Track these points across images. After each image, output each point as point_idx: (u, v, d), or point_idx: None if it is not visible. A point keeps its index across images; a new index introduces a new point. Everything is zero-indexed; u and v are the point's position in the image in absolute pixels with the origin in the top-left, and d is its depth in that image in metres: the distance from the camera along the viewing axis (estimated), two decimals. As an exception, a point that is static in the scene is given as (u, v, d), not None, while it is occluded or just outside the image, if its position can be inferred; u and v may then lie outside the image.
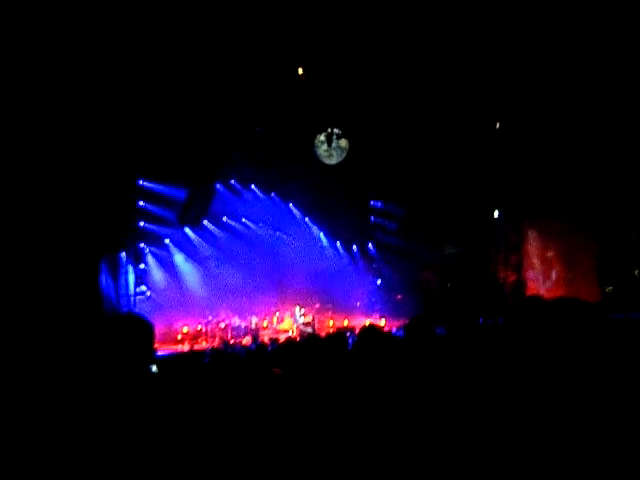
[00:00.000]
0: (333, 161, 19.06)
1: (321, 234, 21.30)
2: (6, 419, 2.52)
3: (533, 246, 18.92)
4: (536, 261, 18.84)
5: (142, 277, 18.42)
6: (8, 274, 13.20)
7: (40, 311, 11.91)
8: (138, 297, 17.86)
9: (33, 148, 14.21)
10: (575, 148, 16.23)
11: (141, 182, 18.30)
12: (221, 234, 20.12)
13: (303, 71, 16.94)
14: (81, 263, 15.34)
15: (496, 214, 19.42)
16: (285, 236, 20.75)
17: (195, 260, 19.43)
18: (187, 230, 19.46)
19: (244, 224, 20.50)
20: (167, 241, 19.06)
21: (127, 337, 2.67)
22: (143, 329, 2.74)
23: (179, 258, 19.25)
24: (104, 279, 16.80)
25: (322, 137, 19.01)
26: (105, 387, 2.56)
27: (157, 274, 18.84)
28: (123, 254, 17.64)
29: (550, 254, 18.56)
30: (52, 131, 14.40)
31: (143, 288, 18.21)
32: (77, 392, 2.55)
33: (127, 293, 17.55)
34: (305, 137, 19.02)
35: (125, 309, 16.80)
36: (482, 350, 4.11)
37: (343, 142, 18.95)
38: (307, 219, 21.03)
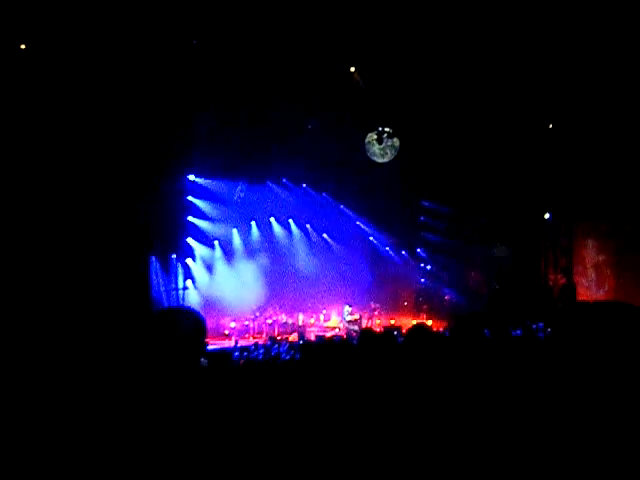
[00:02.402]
0: (386, 159, 18.98)
1: (371, 237, 21.24)
2: (62, 407, 2.58)
3: (586, 250, 18.57)
4: (588, 266, 18.48)
5: (189, 272, 18.61)
6: (66, 271, 13.52)
7: (95, 305, 12.15)
8: (186, 291, 18.06)
9: (85, 147, 14.50)
10: (629, 151, 15.91)
11: (191, 178, 18.52)
12: (270, 233, 20.25)
13: (356, 70, 16.91)
14: (133, 258, 15.60)
15: (547, 216, 19.14)
16: (331, 240, 20.77)
17: (242, 258, 19.54)
18: (234, 231, 19.63)
19: (295, 224, 20.60)
20: (216, 243, 19.23)
21: (181, 329, 2.70)
22: (196, 322, 2.77)
23: (226, 255, 19.38)
24: (154, 274, 17.07)
25: (374, 136, 18.93)
26: (157, 378, 2.59)
27: (205, 269, 19.01)
28: (171, 249, 17.86)
29: (602, 258, 18.19)
30: (104, 130, 14.66)
31: (189, 283, 18.40)
32: (130, 382, 2.59)
33: (176, 287, 17.76)
34: (356, 135, 18.94)
35: (173, 303, 17.00)
36: (528, 354, 4.06)
37: (395, 141, 18.85)
38: (359, 222, 20.96)
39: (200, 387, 2.70)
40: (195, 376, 2.69)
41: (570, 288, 18.58)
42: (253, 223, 19.93)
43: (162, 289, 17.38)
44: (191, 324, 2.73)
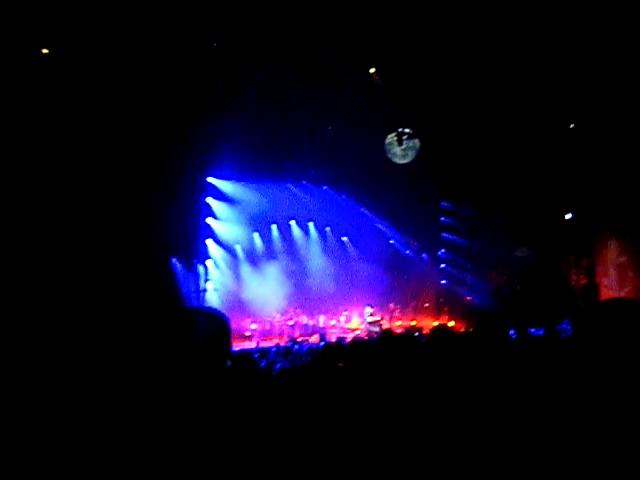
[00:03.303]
0: (407, 160, 18.96)
1: (391, 240, 21.22)
2: (86, 406, 2.62)
3: (607, 251, 18.39)
4: (610, 266, 18.30)
5: (210, 274, 18.70)
6: (93, 274, 13.65)
7: (119, 308, 12.23)
8: (206, 293, 18.16)
9: (104, 149, 14.62)
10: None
11: (210, 180, 18.62)
12: (289, 238, 20.31)
13: (375, 71, 16.92)
14: (154, 261, 15.70)
15: (568, 216, 19.01)
16: (350, 244, 20.79)
17: (263, 260, 19.61)
18: (255, 235, 19.68)
19: (314, 228, 20.64)
20: (237, 247, 19.30)
21: (207, 330, 2.73)
22: (221, 323, 2.80)
23: (247, 257, 19.46)
24: (176, 276, 17.18)
25: (394, 137, 18.92)
26: (184, 379, 2.62)
27: (224, 271, 19.11)
28: (191, 252, 17.97)
29: (624, 259, 17.99)
30: (123, 132, 14.77)
31: (210, 285, 18.48)
32: (157, 384, 2.62)
33: (197, 289, 17.86)
34: (376, 137, 18.94)
35: (195, 302, 17.10)
36: (551, 354, 4.05)
37: (416, 142, 18.83)
38: (379, 224, 20.95)
39: (225, 388, 2.73)
40: (221, 377, 2.72)
41: (592, 288, 18.42)
42: (274, 226, 19.99)
43: (184, 291, 17.47)
44: (216, 325, 2.76)
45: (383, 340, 3.93)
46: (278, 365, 9.88)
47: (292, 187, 20.00)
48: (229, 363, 3.09)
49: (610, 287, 18.11)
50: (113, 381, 2.84)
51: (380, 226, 20.86)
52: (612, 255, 18.23)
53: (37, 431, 2.49)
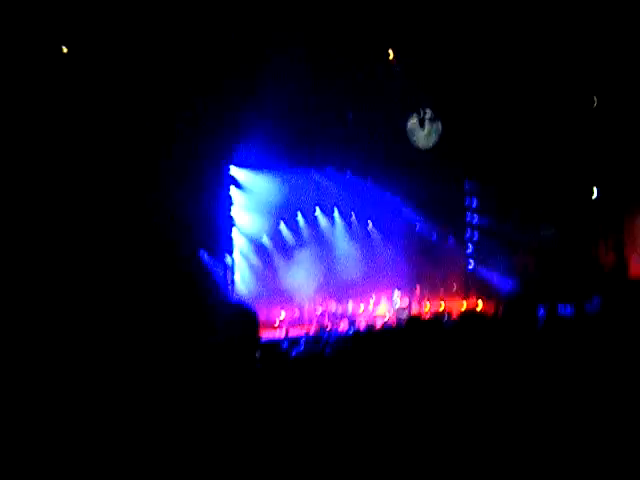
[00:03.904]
0: (430, 144, 18.82)
1: (417, 224, 21.12)
2: (117, 398, 2.66)
3: (637, 227, 18.17)
4: (639, 242, 18.10)
5: (237, 265, 18.78)
6: (120, 268, 13.78)
7: (149, 303, 12.35)
8: (235, 284, 18.26)
9: (124, 139, 14.69)
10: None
11: (233, 170, 18.67)
12: (315, 226, 20.31)
13: (393, 53, 16.82)
14: (183, 253, 15.80)
15: (595, 193, 18.80)
16: (374, 229, 20.74)
17: (290, 248, 19.64)
18: (281, 224, 19.72)
19: (339, 214, 20.61)
20: (264, 236, 19.34)
21: (237, 326, 2.75)
22: (250, 316, 2.82)
23: (274, 246, 19.48)
24: (204, 268, 17.26)
25: (416, 120, 18.79)
26: (216, 374, 2.65)
27: (252, 262, 19.15)
28: (218, 243, 18.03)
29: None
30: (142, 122, 14.84)
31: (237, 276, 18.57)
32: (188, 377, 2.65)
33: (225, 280, 17.94)
34: (396, 120, 18.84)
35: (223, 297, 17.18)
36: (580, 333, 4.02)
37: (438, 124, 18.69)
38: (404, 209, 20.84)
39: (254, 380, 2.75)
40: (250, 370, 2.75)
41: (621, 265, 18.24)
42: (299, 215, 20.00)
43: (213, 283, 17.55)
44: (245, 318, 2.79)
45: (409, 327, 3.93)
46: (308, 352, 9.91)
47: (315, 175, 19.94)
48: (258, 354, 3.12)
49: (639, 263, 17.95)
50: (141, 372, 2.88)
51: (405, 211, 20.76)
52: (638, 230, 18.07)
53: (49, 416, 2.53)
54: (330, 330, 16.61)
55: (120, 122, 14.61)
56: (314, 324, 17.97)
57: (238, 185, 18.86)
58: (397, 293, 18.72)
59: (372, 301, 19.47)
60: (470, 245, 21.31)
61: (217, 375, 2.67)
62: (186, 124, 15.39)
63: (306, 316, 18.51)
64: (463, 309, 17.69)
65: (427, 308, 19.25)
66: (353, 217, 20.68)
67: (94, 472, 2.44)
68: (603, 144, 17.06)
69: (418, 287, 19.61)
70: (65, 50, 13.71)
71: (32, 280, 12.37)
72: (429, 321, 4.50)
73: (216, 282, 17.60)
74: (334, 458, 2.75)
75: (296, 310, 18.54)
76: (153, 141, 15.13)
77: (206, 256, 17.47)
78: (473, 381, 3.01)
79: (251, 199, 18.99)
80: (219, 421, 2.49)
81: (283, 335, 16.08)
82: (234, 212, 18.76)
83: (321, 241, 20.02)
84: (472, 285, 20.70)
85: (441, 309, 18.67)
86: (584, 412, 2.36)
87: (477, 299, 19.73)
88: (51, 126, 13.65)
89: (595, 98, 17.17)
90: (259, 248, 19.28)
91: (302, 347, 11.16)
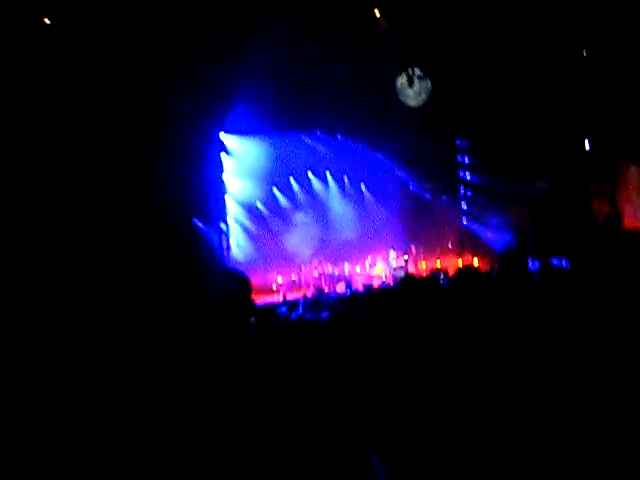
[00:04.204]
0: (420, 102, 18.70)
1: (410, 185, 21.08)
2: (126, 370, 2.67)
3: (630, 177, 18.17)
4: (633, 193, 18.11)
5: (231, 231, 18.81)
6: (113, 240, 13.77)
7: (143, 272, 12.37)
8: (230, 250, 18.31)
9: (116, 109, 14.60)
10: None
11: (222, 135, 18.57)
12: (307, 189, 20.26)
13: (380, 13, 16.65)
14: (177, 222, 15.79)
15: (587, 144, 18.77)
16: (367, 191, 20.70)
17: (284, 213, 19.63)
18: (274, 189, 19.65)
19: (332, 177, 20.55)
20: (257, 202, 19.29)
21: (230, 292, 2.77)
22: (243, 282, 2.83)
23: (267, 211, 19.47)
24: (198, 234, 17.28)
25: (404, 78, 18.64)
26: (210, 340, 2.66)
27: (247, 227, 19.16)
28: (211, 210, 18.04)
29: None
30: (133, 88, 14.73)
31: (232, 242, 18.61)
32: (184, 343, 2.67)
33: (220, 247, 17.98)
34: (386, 79, 18.70)
35: (220, 262, 17.23)
36: (577, 285, 4.04)
37: (427, 82, 18.55)
38: (396, 169, 20.77)
39: (249, 346, 2.77)
40: (244, 335, 2.76)
41: (615, 216, 18.28)
42: (292, 179, 19.94)
43: (208, 250, 17.58)
44: (238, 284, 2.80)
45: (405, 285, 3.95)
46: (307, 315, 9.99)
47: (306, 138, 19.85)
48: (253, 320, 3.13)
49: (634, 214, 17.97)
50: (137, 342, 2.90)
51: (397, 171, 20.72)
52: (634, 181, 18.05)
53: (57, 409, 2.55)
54: (328, 292, 16.68)
55: (106, 90, 14.48)
56: (311, 287, 18.04)
57: (228, 152, 18.77)
58: (392, 253, 18.78)
59: (368, 262, 19.53)
60: (463, 202, 21.33)
61: (211, 341, 2.69)
62: (173, 92, 15.24)
63: (303, 280, 18.57)
64: (459, 266, 17.74)
65: (423, 266, 19.34)
66: (345, 179, 20.62)
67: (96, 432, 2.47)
68: (594, 94, 16.99)
69: (413, 246, 19.65)
70: (47, 21, 13.53)
71: (30, 254, 12.37)
72: (425, 279, 4.52)
73: (211, 249, 17.63)
74: (336, 420, 2.78)
75: (293, 274, 18.59)
76: (140, 110, 15.02)
77: (200, 224, 17.47)
78: (471, 337, 3.03)
79: (242, 165, 18.91)
80: (216, 388, 2.51)
81: (281, 299, 16.16)
82: (226, 179, 18.71)
83: (314, 204, 20.00)
84: (467, 242, 20.73)
85: (437, 267, 18.73)
86: (581, 366, 2.38)
87: (472, 256, 19.81)
88: (37, 105, 13.54)
89: (584, 48, 17.06)
90: (253, 214, 19.26)
91: (300, 310, 11.24)
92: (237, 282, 2.84)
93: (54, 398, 2.70)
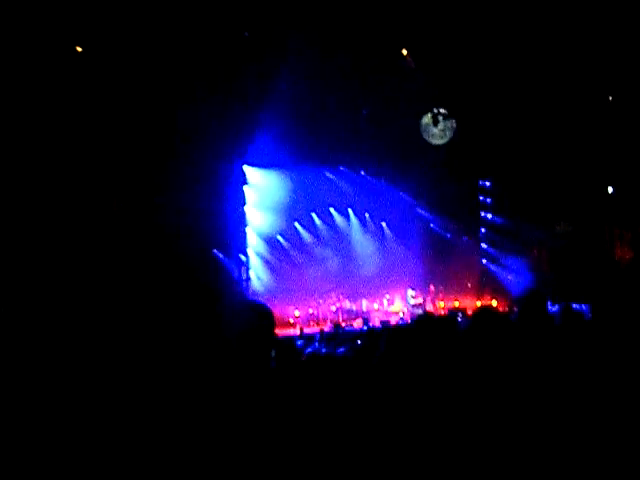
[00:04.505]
0: (445, 141, 18.79)
1: (431, 224, 21.08)
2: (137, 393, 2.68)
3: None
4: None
5: (251, 263, 18.88)
6: (135, 269, 13.87)
7: (165, 301, 12.41)
8: (250, 282, 18.38)
9: (142, 139, 14.79)
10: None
11: (246, 168, 18.73)
12: (327, 226, 20.29)
13: (408, 52, 16.81)
14: (198, 253, 15.87)
15: (610, 190, 18.72)
16: (388, 229, 20.70)
17: (304, 246, 19.67)
18: (296, 224, 19.72)
19: (354, 212, 20.60)
20: (277, 235, 19.37)
21: (254, 324, 2.78)
22: (266, 315, 2.84)
23: (288, 244, 19.51)
24: (219, 267, 17.35)
25: (429, 118, 18.76)
26: (231, 373, 2.67)
27: (267, 260, 19.20)
28: (232, 241, 18.13)
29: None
30: (160, 120, 14.92)
31: (252, 274, 18.68)
32: (203, 375, 2.68)
33: (240, 279, 18.05)
34: (410, 119, 18.81)
35: (239, 295, 17.26)
36: (598, 331, 4.01)
37: (452, 122, 18.66)
38: (418, 208, 20.80)
39: (269, 378, 2.77)
40: (266, 368, 2.77)
41: (637, 261, 18.14)
42: (314, 215, 19.98)
43: (228, 282, 17.64)
44: (261, 317, 2.81)
45: (422, 323, 3.94)
46: (324, 350, 9.95)
47: (329, 173, 19.92)
48: (273, 352, 3.14)
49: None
50: (157, 370, 2.91)
51: (419, 210, 20.73)
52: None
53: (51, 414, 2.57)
54: (344, 327, 16.64)
55: (135, 122, 14.70)
56: (328, 322, 18.00)
57: (251, 184, 18.90)
58: (411, 291, 18.72)
59: (386, 299, 19.49)
60: (484, 243, 21.26)
61: (232, 373, 2.69)
62: (199, 123, 15.44)
63: (320, 314, 18.54)
64: (477, 307, 17.66)
65: (441, 305, 19.25)
66: (367, 216, 20.63)
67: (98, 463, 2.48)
68: (618, 140, 16.97)
69: (432, 285, 19.59)
70: (79, 49, 13.79)
71: (49, 288, 12.47)
72: (443, 318, 4.51)
73: (231, 280, 17.69)
74: (345, 456, 2.77)
75: (311, 308, 18.56)
76: (166, 141, 15.22)
77: (220, 255, 17.55)
78: (488, 378, 3.02)
79: (264, 198, 19.02)
80: (233, 419, 2.52)
81: (298, 333, 16.13)
82: (248, 211, 18.81)
83: (335, 239, 20.01)
84: (486, 283, 20.66)
85: (455, 306, 18.64)
86: (598, 409, 2.36)
87: (491, 297, 19.71)
88: (61, 128, 13.75)
89: (611, 94, 17.10)
90: (273, 246, 19.32)
91: (317, 345, 11.20)
92: (259, 314, 2.85)
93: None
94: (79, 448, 2.54)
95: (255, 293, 18.04)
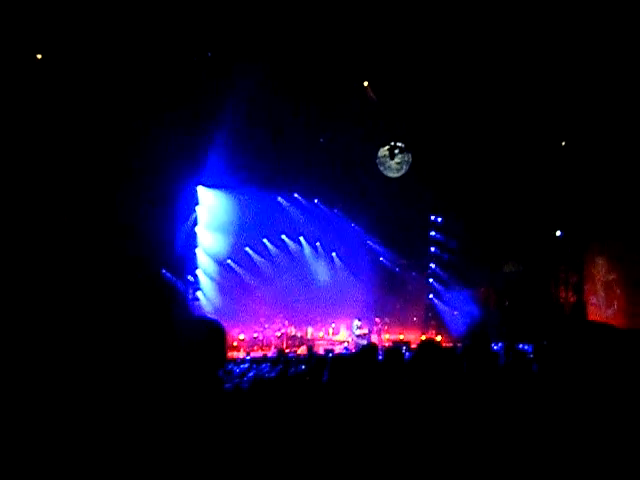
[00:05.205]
0: (400, 174, 19.01)
1: (381, 258, 21.23)
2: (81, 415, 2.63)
3: (596, 269, 18.49)
4: (598, 284, 18.40)
5: (200, 283, 18.74)
6: (82, 287, 13.64)
7: (112, 319, 12.20)
8: (197, 302, 18.24)
9: (94, 159, 14.66)
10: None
11: (200, 189, 18.66)
12: (278, 251, 20.30)
13: (369, 84, 17.01)
14: (146, 272, 15.68)
15: (558, 233, 19.13)
16: (338, 260, 20.79)
17: (253, 269, 19.60)
18: (247, 249, 19.65)
19: (306, 240, 20.68)
20: (228, 258, 19.32)
21: (206, 340, 2.74)
22: (218, 332, 2.81)
23: (237, 267, 19.42)
24: (166, 287, 17.18)
25: (386, 151, 18.98)
26: (179, 388, 2.63)
27: (215, 281, 19.07)
28: (182, 261, 18.00)
29: (613, 277, 18.07)
30: (113, 140, 14.82)
31: (200, 294, 18.54)
32: (154, 390, 2.64)
33: (188, 298, 17.91)
34: (367, 150, 18.99)
35: (186, 313, 17.08)
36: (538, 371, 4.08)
37: (408, 156, 18.90)
38: (369, 241, 20.94)
39: (217, 398, 2.74)
40: (214, 387, 2.73)
41: (580, 306, 18.53)
42: (265, 240, 19.95)
43: (176, 301, 17.46)
44: (214, 334, 2.77)
45: (366, 353, 3.95)
46: (270, 374, 9.91)
47: (282, 200, 19.93)
48: (221, 373, 3.11)
49: (598, 305, 18.21)
50: (110, 388, 2.86)
51: (370, 242, 20.86)
52: (601, 273, 18.34)
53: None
54: (288, 353, 16.57)
55: (88, 141, 14.55)
56: (273, 347, 17.92)
57: (204, 205, 18.79)
58: (357, 322, 18.76)
59: (332, 328, 19.50)
60: (432, 279, 21.45)
61: (180, 388, 2.66)
62: (154, 143, 15.32)
63: (265, 339, 18.42)
64: (421, 340, 17.79)
65: (386, 337, 19.34)
66: (318, 245, 20.67)
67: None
68: (567, 185, 17.36)
69: (378, 317, 19.67)
70: (39, 57, 13.64)
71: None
72: (389, 349, 4.53)
73: (179, 299, 17.51)
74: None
75: (255, 332, 18.44)
76: (119, 160, 15.08)
77: (168, 274, 17.39)
78: (431, 409, 3.03)
79: (217, 219, 18.91)
80: (181, 439, 2.48)
81: (242, 356, 16.00)
82: (199, 231, 18.69)
83: (285, 266, 19.97)
84: (432, 318, 20.84)
85: (400, 339, 18.74)
86: (538, 444, 2.39)
87: (436, 333, 19.89)
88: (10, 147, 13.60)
89: (564, 139, 17.51)
90: (223, 268, 19.20)
91: (263, 368, 11.14)
92: (210, 330, 2.81)
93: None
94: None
95: (203, 312, 17.89)
